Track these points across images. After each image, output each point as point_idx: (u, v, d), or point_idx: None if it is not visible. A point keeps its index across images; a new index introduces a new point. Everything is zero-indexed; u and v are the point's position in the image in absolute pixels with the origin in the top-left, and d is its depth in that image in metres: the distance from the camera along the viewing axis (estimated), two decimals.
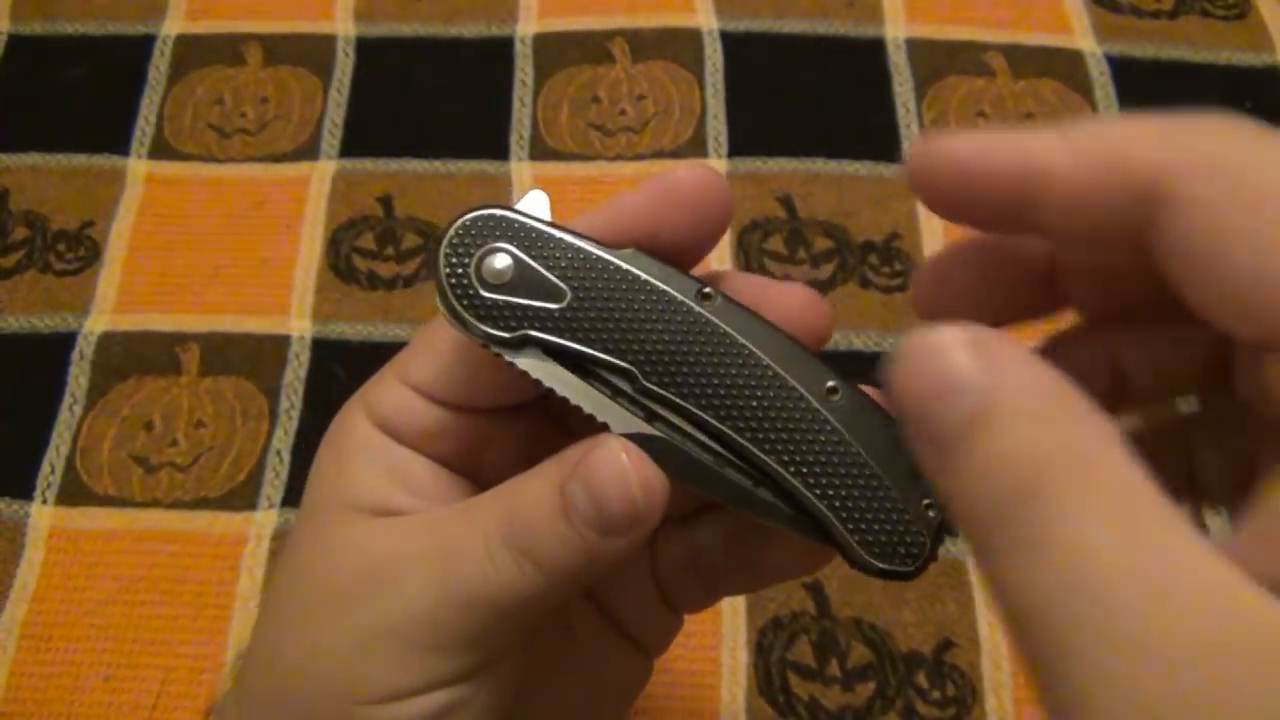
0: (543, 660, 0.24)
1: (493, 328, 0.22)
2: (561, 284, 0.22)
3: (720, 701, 0.37)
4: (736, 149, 0.48)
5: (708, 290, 0.22)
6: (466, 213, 0.22)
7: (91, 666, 0.37)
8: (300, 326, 0.44)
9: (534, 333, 0.21)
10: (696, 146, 0.48)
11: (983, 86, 0.50)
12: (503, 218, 0.22)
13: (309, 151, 0.49)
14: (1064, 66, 0.51)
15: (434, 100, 0.50)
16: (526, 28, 0.52)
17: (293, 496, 0.40)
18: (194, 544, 0.40)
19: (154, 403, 0.42)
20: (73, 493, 0.41)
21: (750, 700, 0.37)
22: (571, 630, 0.26)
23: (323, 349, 0.44)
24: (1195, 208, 0.15)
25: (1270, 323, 0.15)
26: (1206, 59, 0.51)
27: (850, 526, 0.21)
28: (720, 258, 0.45)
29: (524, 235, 0.22)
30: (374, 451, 0.23)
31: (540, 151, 0.49)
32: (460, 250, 0.22)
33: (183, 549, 0.39)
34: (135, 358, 0.43)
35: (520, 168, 0.48)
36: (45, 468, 0.41)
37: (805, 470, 0.21)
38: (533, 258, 0.22)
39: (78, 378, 0.43)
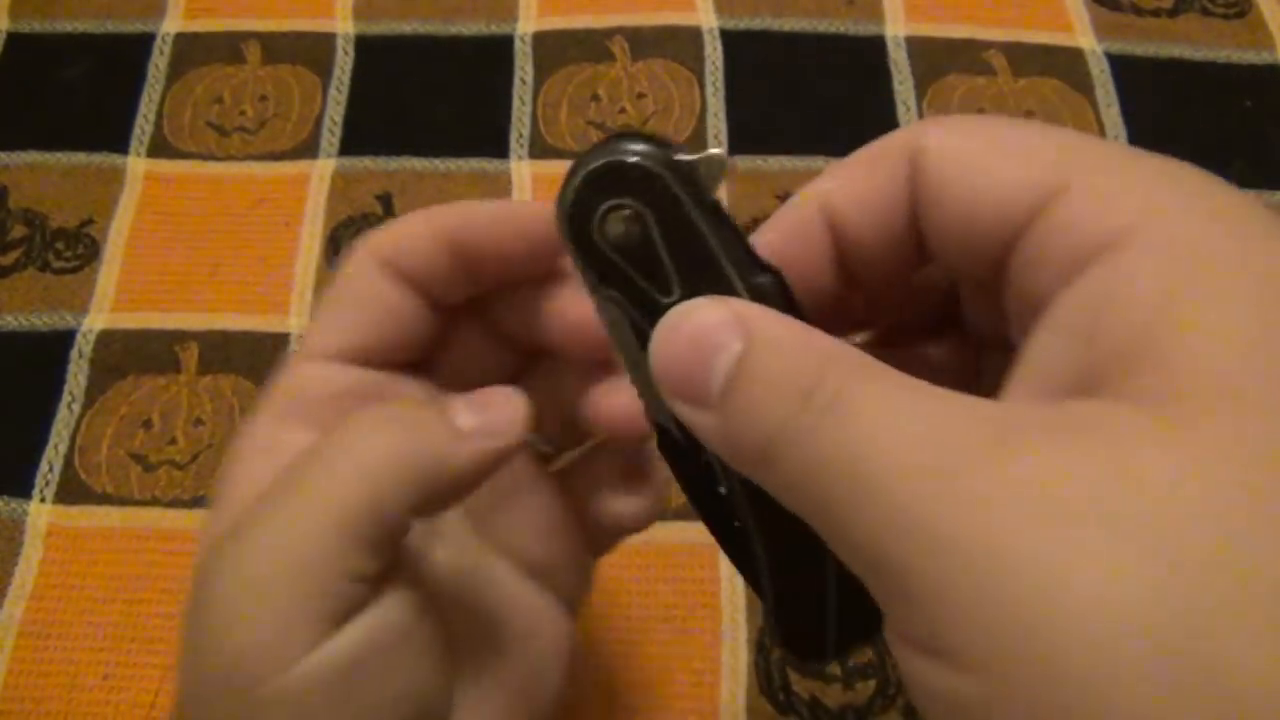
0: (468, 642, 0.24)
1: (590, 269, 0.20)
2: (676, 281, 0.20)
3: (720, 701, 0.37)
4: (736, 147, 0.48)
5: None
6: (624, 143, 0.19)
7: (90, 665, 0.37)
8: (299, 325, 0.44)
9: (623, 304, 0.20)
10: (696, 145, 0.48)
11: (983, 85, 0.50)
12: (658, 178, 0.19)
13: (308, 150, 0.49)
14: (1064, 65, 0.51)
15: (433, 99, 0.50)
16: (526, 26, 0.52)
17: None
18: (193, 542, 0.39)
19: (153, 401, 0.42)
20: (71, 491, 0.41)
21: (751, 699, 0.37)
22: (487, 603, 0.25)
23: None
24: (933, 149, 0.19)
25: (990, 223, 0.18)
26: (1206, 57, 0.51)
27: (781, 610, 0.21)
28: None
29: (668, 210, 0.19)
30: (283, 439, 0.23)
31: (540, 150, 0.49)
32: (596, 187, 0.19)
33: (181, 547, 0.39)
34: (134, 356, 0.43)
35: (520, 166, 0.48)
36: (43, 466, 0.41)
37: (774, 546, 0.21)
38: (664, 238, 0.19)
39: (76, 376, 0.43)
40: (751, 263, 0.19)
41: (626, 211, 0.19)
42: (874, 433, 0.15)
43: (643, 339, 0.20)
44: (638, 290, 0.20)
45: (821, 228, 0.20)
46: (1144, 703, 0.13)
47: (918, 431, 0.15)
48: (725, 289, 0.19)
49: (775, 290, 0.19)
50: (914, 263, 0.20)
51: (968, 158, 0.18)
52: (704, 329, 0.18)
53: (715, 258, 0.19)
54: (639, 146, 0.19)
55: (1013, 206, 0.18)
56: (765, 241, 0.20)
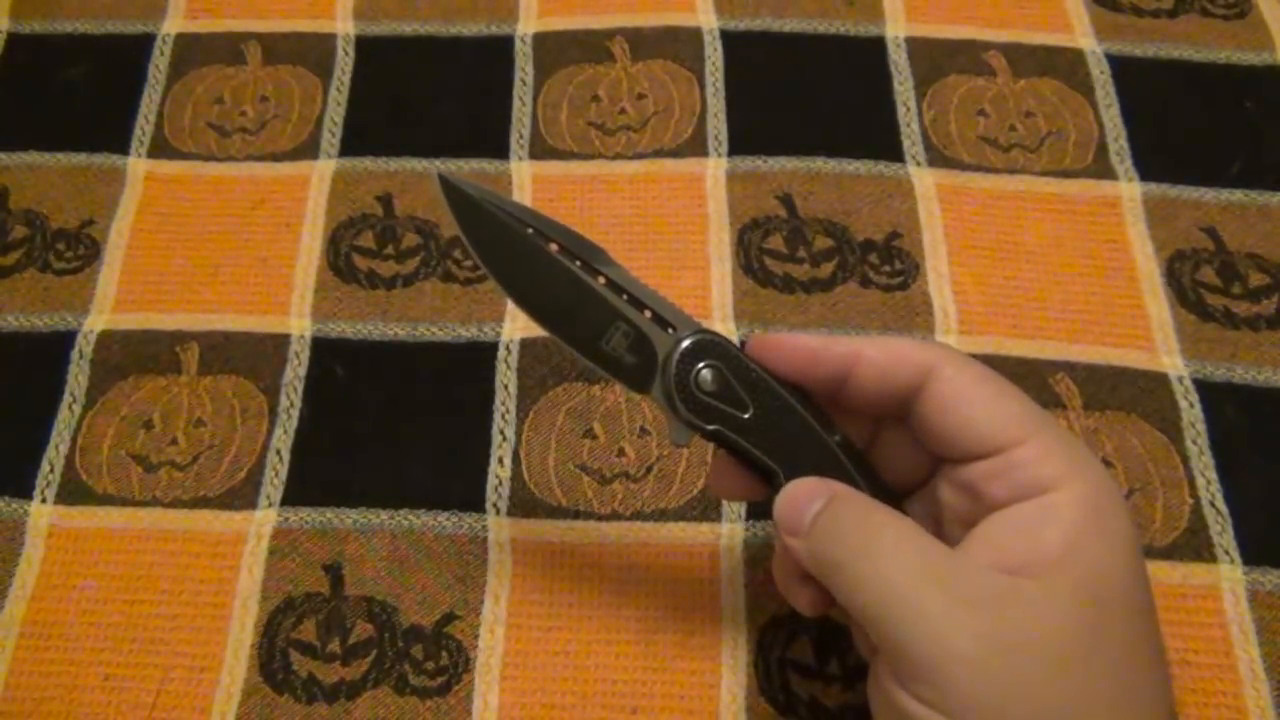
0: None
1: (697, 419, 0.31)
2: (749, 401, 0.31)
3: (720, 701, 0.37)
4: (736, 148, 0.48)
5: (838, 438, 0.31)
6: (695, 334, 0.31)
7: (90, 665, 0.37)
8: (300, 325, 0.44)
9: (722, 429, 0.31)
10: (697, 145, 0.48)
11: (983, 85, 0.50)
12: (720, 343, 0.31)
13: (309, 150, 0.49)
14: (1064, 65, 0.51)
15: (434, 99, 0.50)
16: (526, 27, 0.52)
17: (292, 495, 0.40)
18: (193, 543, 0.40)
19: (153, 401, 0.42)
20: (72, 491, 0.41)
21: (750, 700, 0.37)
22: None
23: (322, 348, 0.44)
24: (948, 378, 0.30)
25: (971, 445, 0.29)
26: (1206, 58, 0.51)
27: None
28: (720, 257, 0.45)
29: (732, 360, 0.31)
30: None
31: (540, 150, 0.49)
32: (686, 360, 0.31)
33: (182, 548, 0.39)
34: (135, 356, 0.43)
35: (520, 167, 0.48)
36: (44, 466, 0.41)
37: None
38: (735, 377, 0.31)
39: (77, 376, 0.43)
40: (823, 423, 0.31)
41: (710, 367, 0.31)
42: (904, 573, 0.27)
43: (729, 447, 0.32)
44: (726, 415, 0.31)
45: (842, 368, 0.31)
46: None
47: (931, 581, 0.27)
48: (775, 399, 0.31)
49: (845, 445, 0.31)
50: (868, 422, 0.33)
51: (970, 394, 0.30)
52: (804, 488, 0.30)
53: (766, 381, 0.31)
54: (703, 334, 0.31)
55: (990, 437, 0.29)
56: (813, 348, 0.31)
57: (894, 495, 0.32)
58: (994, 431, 0.29)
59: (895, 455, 0.32)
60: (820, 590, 0.31)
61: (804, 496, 0.30)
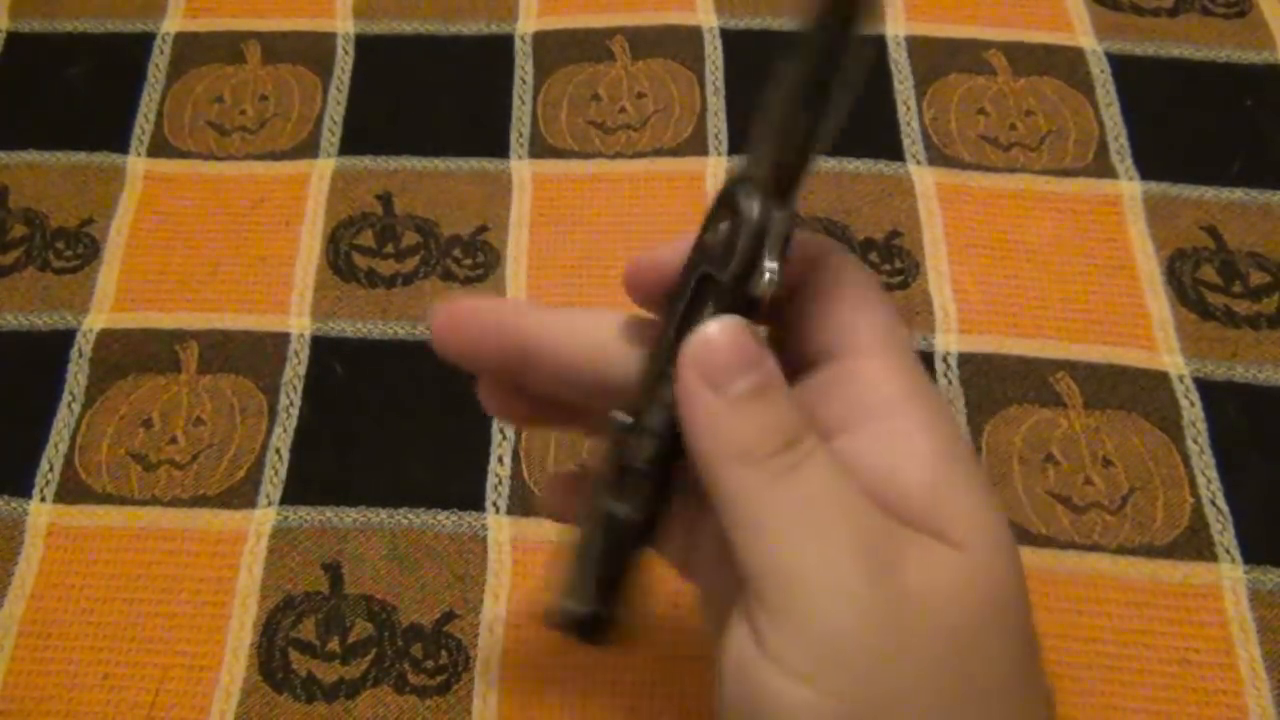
0: None
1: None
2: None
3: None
4: (737, 147, 0.48)
5: None
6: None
7: (89, 664, 0.37)
8: (299, 324, 0.44)
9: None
10: (697, 144, 0.48)
11: (983, 84, 0.50)
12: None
13: (308, 149, 0.49)
14: (1064, 64, 0.51)
15: (434, 98, 0.50)
16: (526, 25, 0.52)
17: (291, 494, 0.40)
18: (193, 542, 0.39)
19: (153, 400, 0.42)
20: (71, 490, 0.41)
21: None
22: None
23: (322, 347, 0.44)
24: (842, 267, 0.26)
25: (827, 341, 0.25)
26: (1207, 57, 0.51)
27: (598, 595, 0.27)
28: None
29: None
30: None
31: (540, 149, 0.49)
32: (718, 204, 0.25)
33: (181, 547, 0.39)
34: (134, 355, 0.43)
35: (520, 165, 0.48)
36: (43, 465, 0.41)
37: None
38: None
39: (76, 375, 0.43)
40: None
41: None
42: (815, 494, 0.22)
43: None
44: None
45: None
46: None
47: (840, 509, 0.22)
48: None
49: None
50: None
51: (850, 292, 0.25)
52: (753, 349, 0.23)
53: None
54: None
55: (844, 339, 0.25)
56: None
57: None
58: (848, 331, 0.24)
59: None
60: (533, 409, 0.28)
61: (741, 353, 0.23)
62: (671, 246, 0.25)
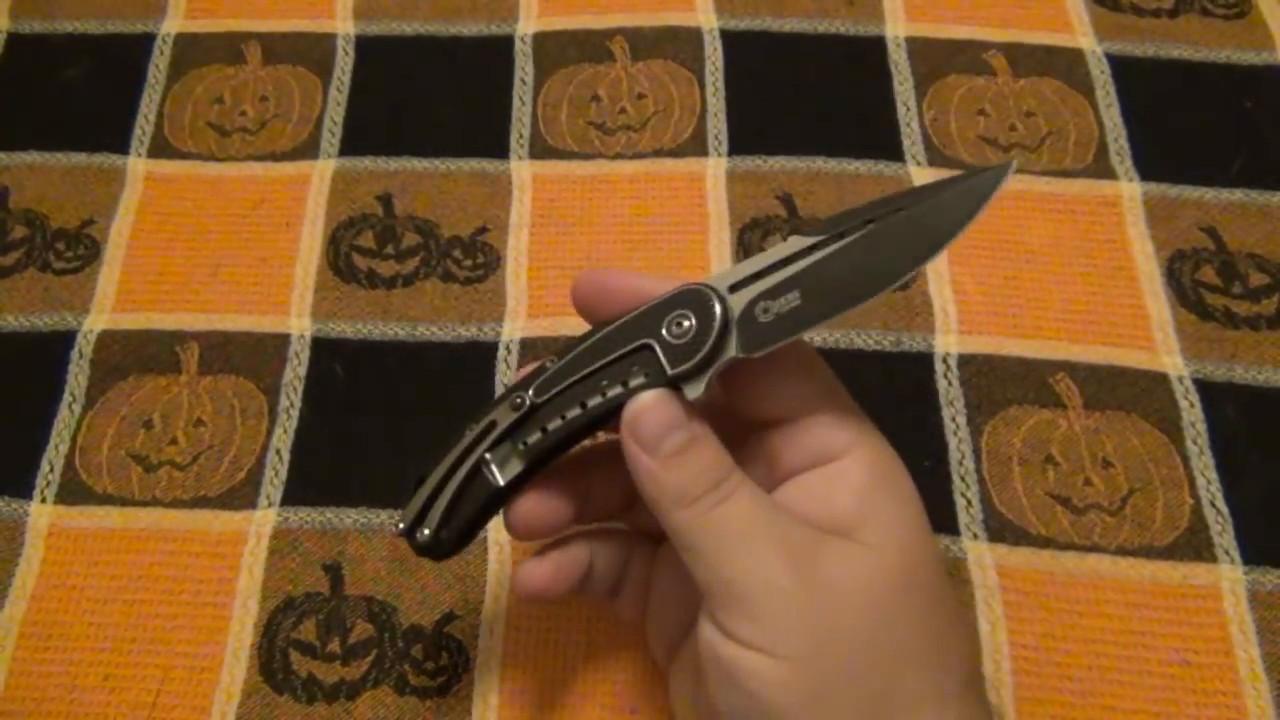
0: None
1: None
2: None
3: None
4: (736, 147, 0.48)
5: None
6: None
7: (90, 665, 0.37)
8: (300, 325, 0.44)
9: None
10: (696, 145, 0.48)
11: (983, 85, 0.50)
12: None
13: (309, 150, 0.49)
14: (1064, 65, 0.51)
15: (434, 99, 0.50)
16: (526, 26, 0.52)
17: (292, 495, 0.40)
18: (193, 543, 0.40)
19: (153, 401, 0.42)
20: (72, 491, 0.41)
21: None
22: None
23: (322, 347, 0.44)
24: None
25: (773, 408, 0.31)
26: (1207, 57, 0.51)
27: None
28: (720, 256, 0.45)
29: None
30: None
31: (540, 150, 0.49)
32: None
33: (182, 548, 0.39)
34: (134, 356, 0.43)
35: (520, 166, 0.48)
36: (44, 466, 0.41)
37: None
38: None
39: (77, 376, 0.43)
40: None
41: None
42: (742, 519, 0.28)
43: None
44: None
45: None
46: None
47: (762, 527, 0.28)
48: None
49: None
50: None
51: (783, 363, 0.30)
52: (668, 411, 0.29)
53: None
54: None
55: (792, 405, 0.30)
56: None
57: None
58: (798, 400, 0.30)
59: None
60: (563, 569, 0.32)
61: (668, 420, 0.29)
62: (622, 278, 0.31)
